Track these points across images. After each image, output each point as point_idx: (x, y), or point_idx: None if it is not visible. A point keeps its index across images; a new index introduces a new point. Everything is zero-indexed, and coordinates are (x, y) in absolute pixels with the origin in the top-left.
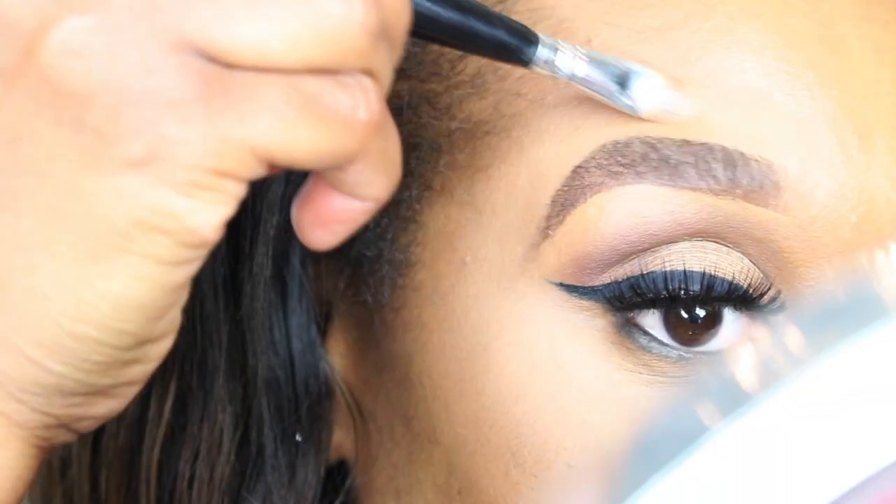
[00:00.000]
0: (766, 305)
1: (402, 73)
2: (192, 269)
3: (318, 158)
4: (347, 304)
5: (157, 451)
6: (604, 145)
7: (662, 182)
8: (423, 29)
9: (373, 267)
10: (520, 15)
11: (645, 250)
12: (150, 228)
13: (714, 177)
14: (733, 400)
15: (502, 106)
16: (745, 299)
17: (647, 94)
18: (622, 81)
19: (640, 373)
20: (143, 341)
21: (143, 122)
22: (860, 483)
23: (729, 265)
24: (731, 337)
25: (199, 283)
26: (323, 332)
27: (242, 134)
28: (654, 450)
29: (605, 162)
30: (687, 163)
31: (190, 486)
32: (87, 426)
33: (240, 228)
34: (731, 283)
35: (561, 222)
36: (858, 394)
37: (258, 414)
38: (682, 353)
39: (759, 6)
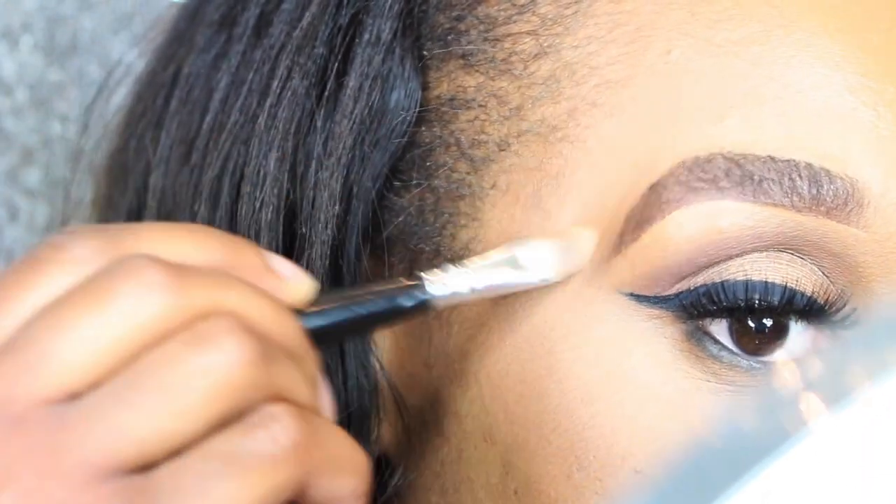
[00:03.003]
0: (838, 321)
1: (470, 69)
2: None
3: (274, 501)
4: None
5: None
6: (683, 161)
7: (745, 198)
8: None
9: (431, 262)
10: (597, 18)
11: (722, 261)
12: None
13: (799, 194)
14: (799, 412)
15: (577, 114)
16: (820, 314)
17: (547, 261)
18: (517, 264)
19: (708, 380)
20: None
21: None
22: None
23: (806, 278)
24: (796, 348)
25: None
26: None
27: None
28: (720, 459)
29: (684, 178)
30: (771, 179)
31: None
32: None
33: (298, 217)
34: (809, 298)
35: (636, 239)
36: None
37: None
38: (751, 363)
39: (839, 21)
